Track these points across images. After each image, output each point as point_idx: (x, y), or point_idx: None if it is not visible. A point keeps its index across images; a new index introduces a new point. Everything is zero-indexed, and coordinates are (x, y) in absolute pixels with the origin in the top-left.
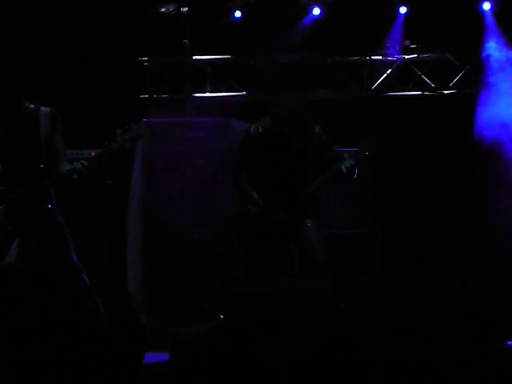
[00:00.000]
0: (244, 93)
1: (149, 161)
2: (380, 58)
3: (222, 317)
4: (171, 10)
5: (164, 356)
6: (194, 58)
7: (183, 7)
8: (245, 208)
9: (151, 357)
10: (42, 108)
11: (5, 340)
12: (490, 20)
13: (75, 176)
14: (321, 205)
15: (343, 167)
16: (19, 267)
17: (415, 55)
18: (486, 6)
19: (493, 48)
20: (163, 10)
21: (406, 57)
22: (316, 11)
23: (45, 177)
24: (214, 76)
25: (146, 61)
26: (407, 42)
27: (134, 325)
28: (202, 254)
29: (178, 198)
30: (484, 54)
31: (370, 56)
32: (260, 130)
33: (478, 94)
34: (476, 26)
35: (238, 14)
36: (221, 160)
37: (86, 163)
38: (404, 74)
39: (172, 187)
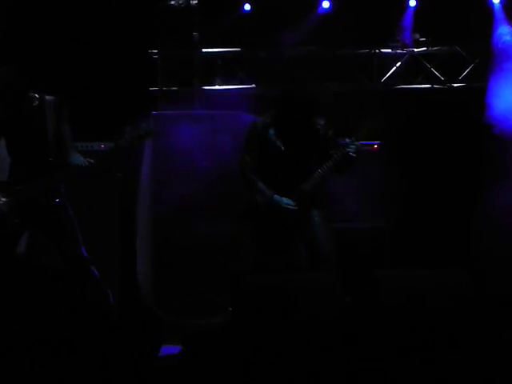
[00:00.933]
0: (254, 85)
1: (158, 153)
2: (389, 51)
3: (231, 310)
4: (181, 2)
5: (175, 348)
6: (204, 50)
7: (193, 0)
8: (253, 201)
9: (166, 349)
10: (47, 97)
11: (17, 332)
12: (499, 13)
13: (82, 171)
14: (328, 195)
15: (349, 150)
16: (28, 261)
17: (425, 48)
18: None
19: (505, 32)
20: (173, 2)
21: (416, 50)
22: (325, 4)
23: (53, 169)
24: (224, 69)
25: (155, 53)
26: (417, 35)
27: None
28: (211, 247)
29: (187, 190)
30: (495, 40)
31: (379, 49)
32: (266, 122)
33: (490, 81)
34: (485, 19)
35: (247, 6)
36: (230, 153)
37: (92, 161)
38: (413, 67)
39: (181, 180)
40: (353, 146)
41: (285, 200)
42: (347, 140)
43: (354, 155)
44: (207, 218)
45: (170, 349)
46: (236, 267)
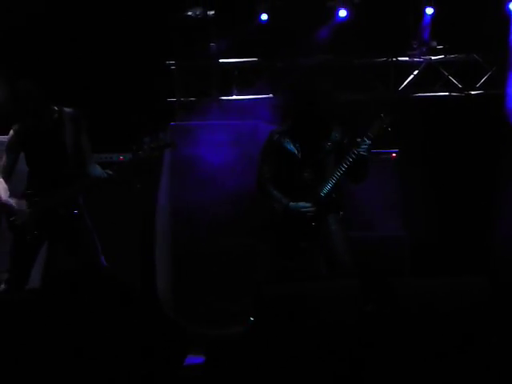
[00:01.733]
0: (271, 95)
1: (177, 164)
2: (406, 59)
3: (252, 319)
4: (198, 13)
5: (198, 358)
6: (221, 61)
7: (210, 11)
8: (271, 210)
9: (189, 359)
10: (66, 109)
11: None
12: None
13: (101, 183)
14: (344, 199)
15: (360, 149)
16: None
17: (442, 56)
18: None
19: None
20: (190, 13)
21: (433, 58)
22: (342, 13)
23: (72, 181)
24: (241, 79)
25: (172, 64)
26: (434, 43)
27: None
28: (230, 257)
29: (205, 200)
30: None
31: (396, 57)
32: (282, 131)
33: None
34: (502, 26)
35: (264, 16)
36: (248, 163)
37: (111, 172)
38: (431, 75)
39: (199, 190)
40: (364, 146)
41: (301, 204)
42: (358, 140)
43: (365, 154)
44: (225, 227)
45: (194, 358)
46: (255, 277)
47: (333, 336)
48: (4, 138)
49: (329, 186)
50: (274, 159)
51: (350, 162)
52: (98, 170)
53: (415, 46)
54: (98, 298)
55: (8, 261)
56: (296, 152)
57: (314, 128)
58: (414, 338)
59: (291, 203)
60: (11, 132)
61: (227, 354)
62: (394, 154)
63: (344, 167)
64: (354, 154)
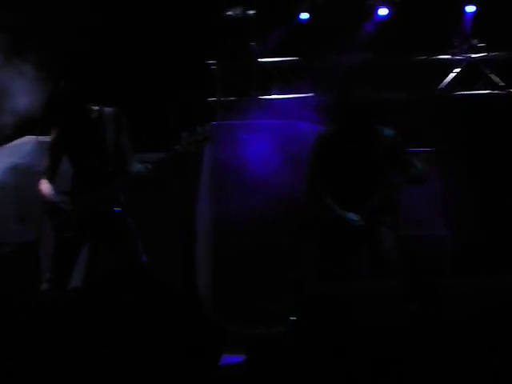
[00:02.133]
0: (311, 94)
1: (217, 163)
2: (447, 57)
3: (293, 319)
4: (238, 13)
5: (238, 358)
6: (261, 60)
7: (250, 10)
8: (319, 212)
9: (227, 358)
10: (106, 109)
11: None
12: None
13: (141, 179)
14: (396, 205)
15: (417, 172)
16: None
17: (483, 54)
18: None
19: None
20: (230, 13)
21: (474, 56)
22: (382, 11)
23: (113, 179)
24: (281, 78)
25: (213, 64)
26: (475, 41)
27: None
28: (270, 256)
29: (247, 200)
30: None
31: (437, 55)
32: (330, 133)
33: None
34: None
35: (304, 15)
36: (289, 161)
37: (150, 166)
38: (472, 73)
39: (240, 189)
40: (419, 173)
41: (352, 216)
42: (418, 166)
43: (420, 180)
44: (266, 226)
45: (232, 358)
46: (296, 276)
47: (376, 337)
48: (46, 139)
49: (380, 199)
50: (324, 161)
51: (405, 182)
52: (137, 166)
53: (456, 44)
54: (139, 297)
55: (50, 260)
56: (345, 156)
57: (360, 130)
58: (458, 339)
59: (348, 216)
60: (53, 133)
61: (268, 353)
62: (430, 152)
63: (398, 186)
64: (410, 176)
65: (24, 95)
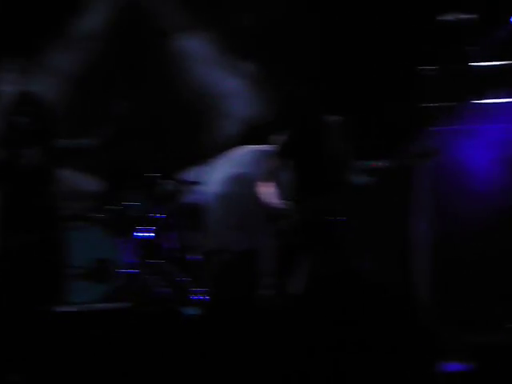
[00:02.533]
0: None
1: (438, 169)
2: None
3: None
4: (454, 18)
5: (461, 365)
6: (476, 64)
7: (465, 14)
8: None
9: (454, 366)
10: (327, 117)
11: None
12: None
13: (362, 190)
14: None
15: None
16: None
17: None
18: None
19: None
20: (450, 18)
21: None
22: None
23: (332, 188)
24: (495, 82)
25: (427, 69)
26: None
27: (428, 334)
28: (492, 263)
29: (467, 205)
30: None
31: None
32: None
33: None
34: None
35: None
36: (509, 167)
37: (370, 180)
38: None
39: (462, 195)
40: None
41: None
42: None
43: None
44: (487, 234)
45: (458, 366)
46: None
47: None
48: (265, 148)
49: None
50: None
51: None
52: (358, 178)
53: None
54: (358, 302)
55: (270, 266)
56: None
57: None
58: None
59: None
60: (279, 140)
61: (495, 361)
62: None
63: None
64: None
65: (249, 103)
